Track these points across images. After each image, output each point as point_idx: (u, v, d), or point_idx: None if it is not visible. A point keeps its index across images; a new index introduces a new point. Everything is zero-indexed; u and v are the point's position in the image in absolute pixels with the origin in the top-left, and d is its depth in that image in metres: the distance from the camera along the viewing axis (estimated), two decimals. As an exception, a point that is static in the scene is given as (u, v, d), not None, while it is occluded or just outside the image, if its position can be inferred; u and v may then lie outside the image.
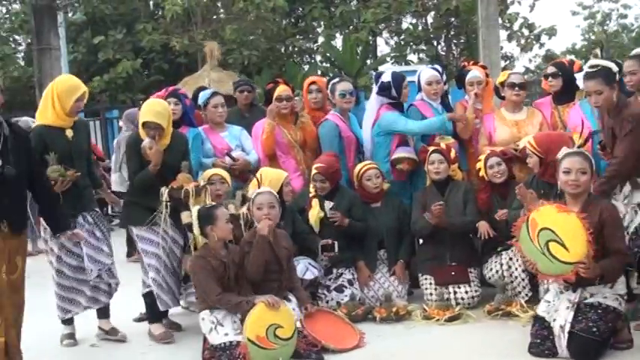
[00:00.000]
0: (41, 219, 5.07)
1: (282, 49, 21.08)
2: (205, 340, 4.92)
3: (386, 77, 6.36)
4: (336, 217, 5.90)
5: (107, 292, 5.52)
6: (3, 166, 4.16)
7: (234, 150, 6.28)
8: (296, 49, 21.51)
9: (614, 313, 4.57)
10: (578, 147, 5.01)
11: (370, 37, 20.32)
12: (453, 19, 19.64)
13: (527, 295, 5.60)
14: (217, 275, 4.92)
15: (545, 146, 5.38)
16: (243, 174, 6.16)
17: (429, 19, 20.18)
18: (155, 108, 5.40)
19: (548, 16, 32.18)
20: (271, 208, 5.21)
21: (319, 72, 19.51)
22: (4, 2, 20.61)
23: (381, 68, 17.85)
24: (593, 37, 29.49)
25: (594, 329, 4.45)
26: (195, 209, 5.07)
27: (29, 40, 18.45)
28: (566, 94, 6.18)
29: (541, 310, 4.78)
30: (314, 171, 5.97)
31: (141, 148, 5.31)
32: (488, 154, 5.91)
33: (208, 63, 14.79)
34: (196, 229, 5.04)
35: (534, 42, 20.97)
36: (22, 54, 21.35)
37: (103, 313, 5.61)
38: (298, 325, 4.96)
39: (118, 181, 8.29)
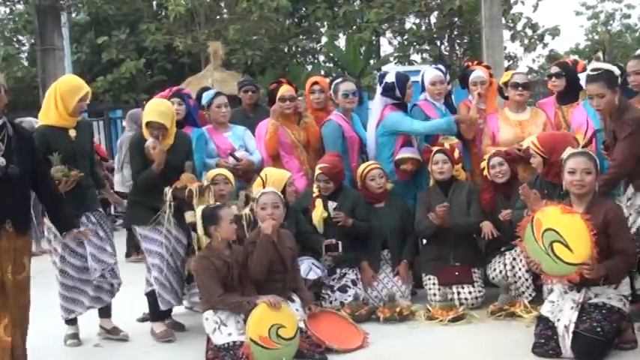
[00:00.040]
0: (44, 219, 5.07)
1: (286, 49, 21.05)
2: (209, 340, 4.92)
3: (390, 78, 6.35)
4: (340, 218, 5.90)
5: (110, 292, 5.53)
6: (7, 165, 4.16)
7: (238, 150, 6.27)
8: (299, 49, 21.48)
9: (619, 313, 4.57)
10: (583, 147, 5.00)
11: (373, 37, 20.30)
12: (456, 19, 19.61)
13: (530, 295, 5.60)
14: (221, 275, 4.92)
15: (549, 146, 5.37)
16: (246, 174, 6.16)
17: (433, 19, 20.14)
18: (159, 108, 5.41)
19: (552, 16, 32.09)
20: (275, 208, 5.22)
21: (322, 72, 19.52)
22: (7, 2, 20.64)
23: (384, 68, 17.83)
24: (596, 37, 29.46)
25: (598, 329, 4.44)
26: (199, 209, 5.08)
27: (33, 41, 18.46)
28: (570, 94, 6.17)
29: (545, 310, 4.78)
30: (318, 171, 5.97)
31: (144, 147, 5.31)
32: (492, 154, 5.91)
33: (212, 63, 14.79)
34: (200, 229, 5.05)
35: (538, 42, 20.93)
36: (26, 54, 21.35)
37: (105, 312, 5.62)
38: (302, 325, 4.96)
39: (120, 181, 8.31)
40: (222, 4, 19.41)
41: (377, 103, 6.50)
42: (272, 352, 4.63)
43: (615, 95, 5.01)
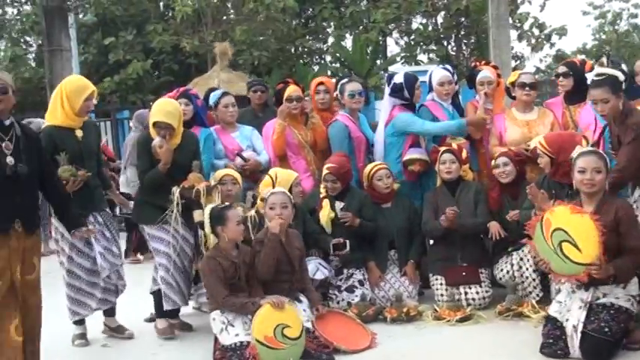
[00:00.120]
0: (52, 219, 5.07)
1: (292, 50, 21.06)
2: (216, 340, 4.92)
3: (398, 78, 6.34)
4: (347, 218, 5.90)
5: (114, 292, 5.55)
6: (16, 164, 4.18)
7: (245, 150, 6.28)
8: (306, 49, 21.49)
9: (627, 313, 4.56)
10: (592, 145, 5.00)
11: (380, 38, 20.28)
12: (463, 19, 19.58)
13: (538, 295, 5.59)
14: (228, 276, 4.93)
15: (557, 146, 5.36)
16: (254, 174, 6.16)
17: (439, 19, 20.11)
18: (166, 108, 5.41)
19: (559, 16, 32.14)
20: (284, 208, 5.22)
21: (329, 72, 19.51)
22: (15, 3, 20.70)
23: (391, 69, 17.82)
24: (604, 37, 29.36)
25: (606, 329, 4.43)
26: (208, 208, 5.09)
27: (40, 42, 18.52)
28: (578, 93, 6.14)
29: (553, 310, 4.77)
30: (325, 171, 5.97)
31: (151, 147, 5.32)
32: (500, 154, 5.90)
33: (218, 64, 14.80)
34: (207, 228, 5.06)
35: (545, 42, 20.88)
36: (33, 55, 21.42)
37: (109, 311, 5.64)
38: (309, 326, 4.96)
39: (124, 182, 8.32)
40: (229, 5, 19.45)
41: (385, 104, 6.49)
42: (278, 352, 4.63)
43: (619, 100, 5.02)
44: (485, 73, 6.45)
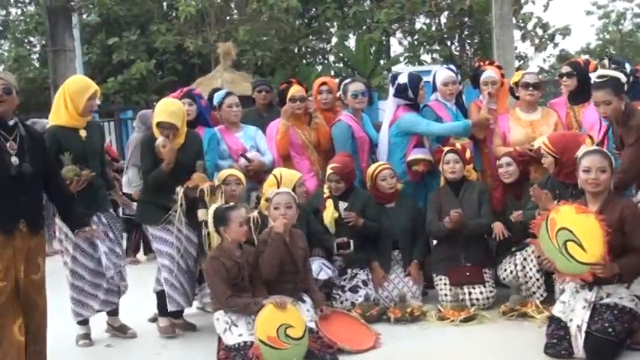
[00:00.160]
0: (56, 219, 5.07)
1: (296, 50, 21.06)
2: (220, 340, 4.92)
3: (402, 79, 6.34)
4: (351, 218, 5.89)
5: (117, 293, 5.56)
6: (20, 164, 4.18)
7: (249, 150, 6.28)
8: (309, 49, 21.49)
9: (630, 314, 4.55)
10: (597, 144, 5.00)
11: (383, 38, 20.27)
12: (466, 19, 19.58)
13: (542, 295, 5.58)
14: (231, 276, 4.93)
15: (560, 146, 5.35)
16: (257, 175, 6.16)
17: (443, 19, 20.12)
18: (169, 108, 5.41)
19: (563, 16, 32.06)
20: (288, 208, 5.21)
21: (332, 72, 19.53)
22: (19, 4, 20.74)
23: (394, 69, 17.84)
24: (607, 37, 29.36)
25: (610, 330, 4.43)
26: (212, 207, 5.09)
27: (44, 42, 18.53)
28: (581, 93, 6.13)
29: (557, 310, 4.76)
30: (329, 171, 5.97)
31: (155, 146, 5.32)
32: (503, 154, 5.90)
33: (222, 64, 14.80)
34: (211, 227, 5.06)
35: (548, 42, 20.88)
36: (37, 55, 21.47)
37: (113, 310, 5.64)
38: (313, 326, 4.96)
39: (126, 182, 8.33)
40: (233, 5, 19.46)
41: (390, 104, 6.49)
42: (281, 352, 4.63)
43: (622, 102, 5.01)
44: (489, 73, 6.44)
